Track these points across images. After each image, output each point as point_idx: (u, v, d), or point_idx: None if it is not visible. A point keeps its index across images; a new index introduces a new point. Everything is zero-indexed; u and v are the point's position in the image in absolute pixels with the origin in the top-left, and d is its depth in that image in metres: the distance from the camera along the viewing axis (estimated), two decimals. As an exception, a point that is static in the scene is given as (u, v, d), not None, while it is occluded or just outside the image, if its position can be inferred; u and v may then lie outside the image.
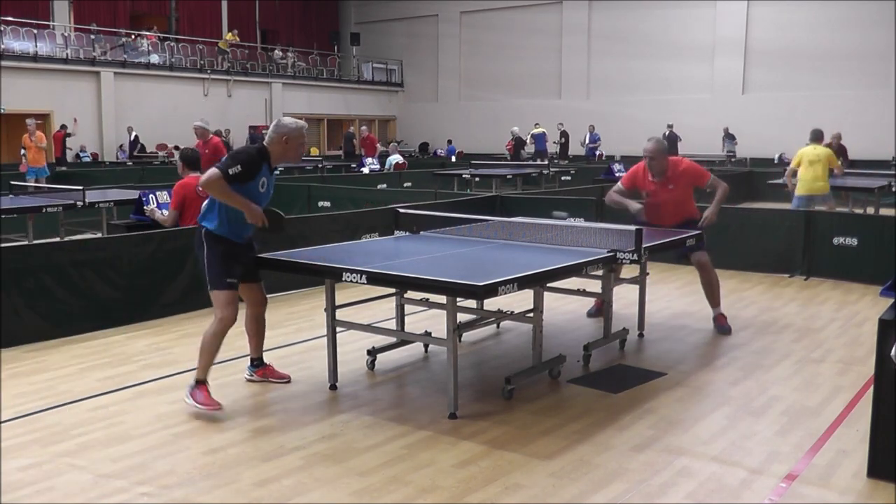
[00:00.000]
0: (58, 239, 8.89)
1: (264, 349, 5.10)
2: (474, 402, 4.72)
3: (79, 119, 22.61)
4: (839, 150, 15.91)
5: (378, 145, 20.06)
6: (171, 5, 29.72)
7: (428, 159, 27.21)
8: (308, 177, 16.24)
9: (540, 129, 23.83)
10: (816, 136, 10.95)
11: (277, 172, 5.06)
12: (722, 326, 6.41)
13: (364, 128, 21.15)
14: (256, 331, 5.00)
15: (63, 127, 21.48)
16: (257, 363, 5.10)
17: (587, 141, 24.93)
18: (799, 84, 25.26)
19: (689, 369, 5.44)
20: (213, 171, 4.40)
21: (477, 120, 31.65)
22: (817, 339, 6.20)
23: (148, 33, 26.56)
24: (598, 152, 24.96)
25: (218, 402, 4.50)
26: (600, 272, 5.56)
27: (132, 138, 23.66)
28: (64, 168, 19.20)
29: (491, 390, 4.95)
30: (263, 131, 28.00)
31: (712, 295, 6.48)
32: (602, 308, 6.77)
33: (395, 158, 18.75)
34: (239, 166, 4.39)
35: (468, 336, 6.11)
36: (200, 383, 4.52)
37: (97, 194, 10.30)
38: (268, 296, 4.96)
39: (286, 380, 5.08)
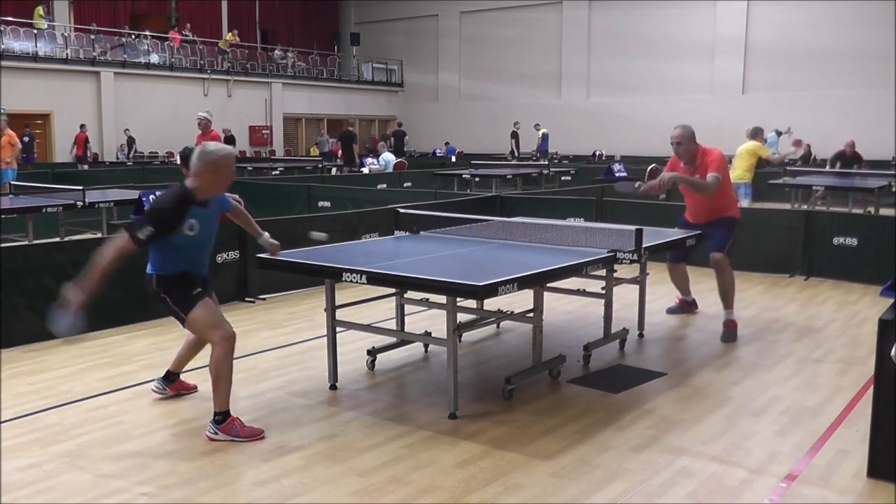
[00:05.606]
0: (58, 239, 8.90)
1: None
2: (474, 402, 4.72)
3: (79, 119, 22.64)
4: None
5: (379, 146, 20.12)
6: (171, 5, 29.72)
7: (428, 159, 27.18)
8: (308, 177, 16.23)
9: (543, 130, 23.86)
10: (750, 133, 11.39)
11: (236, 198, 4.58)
12: (727, 332, 6.14)
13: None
14: (190, 349, 4.67)
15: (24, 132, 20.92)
16: (173, 378, 4.77)
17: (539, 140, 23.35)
18: (799, 84, 25.25)
19: (689, 369, 5.44)
20: (119, 238, 3.93)
21: (477, 120, 31.64)
22: (817, 339, 6.19)
23: (173, 34, 26.57)
24: (545, 149, 23.43)
25: (259, 428, 4.19)
26: (602, 272, 5.55)
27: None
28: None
29: (491, 390, 4.95)
30: (264, 132, 28.22)
31: (723, 296, 6.26)
32: (682, 305, 6.93)
33: (388, 157, 18.74)
34: (151, 228, 3.91)
35: (468, 336, 6.11)
36: (224, 415, 4.12)
37: (97, 194, 10.29)
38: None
39: (194, 389, 4.80)
